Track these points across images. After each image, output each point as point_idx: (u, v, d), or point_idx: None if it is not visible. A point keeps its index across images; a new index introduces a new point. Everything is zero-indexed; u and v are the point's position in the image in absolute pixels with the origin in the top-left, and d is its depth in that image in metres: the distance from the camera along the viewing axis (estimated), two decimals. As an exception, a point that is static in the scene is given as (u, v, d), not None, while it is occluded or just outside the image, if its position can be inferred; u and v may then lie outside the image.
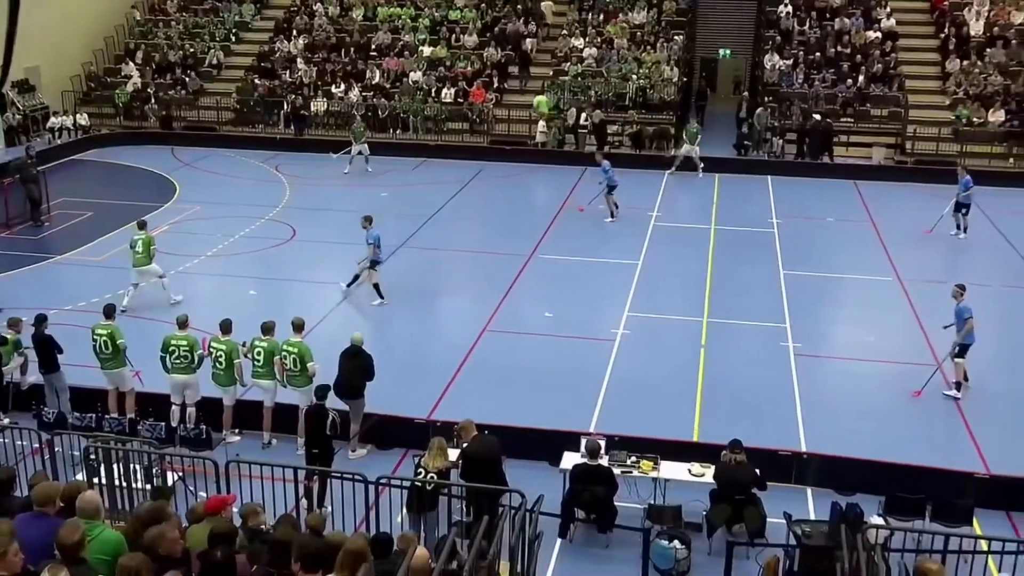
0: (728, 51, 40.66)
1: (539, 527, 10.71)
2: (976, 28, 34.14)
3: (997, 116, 30.97)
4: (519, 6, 37.14)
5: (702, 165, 29.79)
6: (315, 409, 12.62)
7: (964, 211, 23.76)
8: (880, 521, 11.46)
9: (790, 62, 34.03)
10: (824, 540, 10.94)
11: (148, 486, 10.74)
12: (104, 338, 14.35)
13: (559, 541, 11.98)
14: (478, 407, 13.38)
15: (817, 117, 31.08)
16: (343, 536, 7.79)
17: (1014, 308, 19.98)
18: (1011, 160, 30.06)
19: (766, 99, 32.83)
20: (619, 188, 25.24)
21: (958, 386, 15.88)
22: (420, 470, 11.29)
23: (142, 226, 19.52)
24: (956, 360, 15.90)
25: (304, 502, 11.61)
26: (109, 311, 14.80)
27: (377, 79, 34.92)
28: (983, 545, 10.94)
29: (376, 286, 19.35)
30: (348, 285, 19.88)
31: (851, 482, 12.93)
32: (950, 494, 12.22)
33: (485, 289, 20.36)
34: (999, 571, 10.09)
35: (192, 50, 37.32)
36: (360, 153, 30.11)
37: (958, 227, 23.87)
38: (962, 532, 11.23)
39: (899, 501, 11.93)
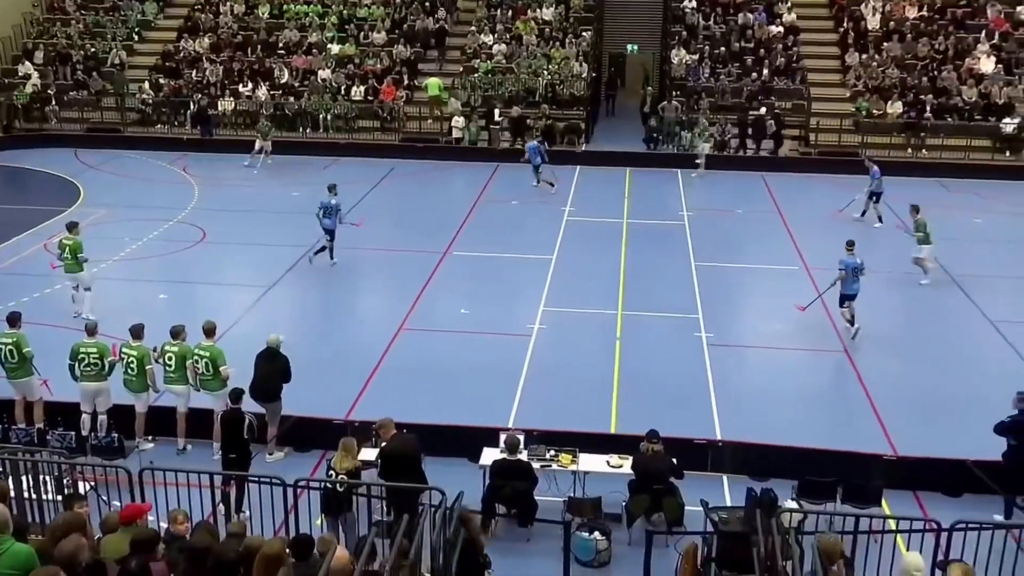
0: (636, 46, 41.11)
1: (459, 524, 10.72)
2: (873, 23, 35.11)
3: (895, 108, 31.88)
4: (427, 3, 37.01)
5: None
6: (231, 413, 12.44)
7: (875, 199, 24.43)
8: (794, 505, 11.72)
9: (696, 57, 34.54)
10: (741, 526, 11.14)
11: (59, 497, 10.47)
12: (9, 347, 13.92)
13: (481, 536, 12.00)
14: (396, 406, 13.34)
15: (763, 111, 31.75)
16: (261, 540, 7.70)
17: (915, 294, 20.59)
18: (909, 150, 30.97)
19: (674, 93, 33.29)
20: (529, 183, 25.38)
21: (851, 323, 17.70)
22: (331, 472, 11.23)
23: (71, 228, 18.60)
24: (842, 310, 17.85)
25: (221, 508, 11.46)
26: (13, 319, 14.32)
27: (285, 78, 34.48)
28: (892, 524, 11.32)
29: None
30: (315, 254, 21.11)
31: (765, 468, 13.20)
32: (860, 476, 12.58)
33: (400, 287, 20.27)
34: (907, 549, 10.38)
35: (94, 49, 36.36)
36: (262, 151, 30.09)
37: (879, 219, 24.51)
38: (872, 512, 11.60)
39: (811, 485, 12.22)
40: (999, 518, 12.14)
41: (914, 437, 14.25)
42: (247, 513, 11.37)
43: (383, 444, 11.84)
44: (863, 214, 24.71)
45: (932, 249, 20.54)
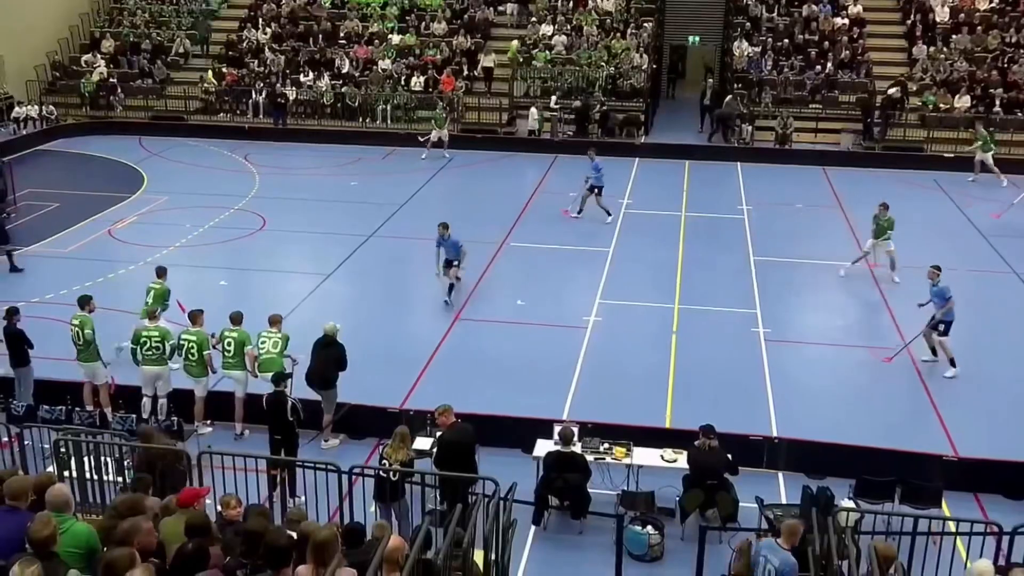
0: (697, 38, 40.75)
1: (513, 515, 10.73)
2: (942, 15, 34.42)
3: (963, 102, 31.24)
4: (488, -7, 37.09)
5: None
6: (274, 396, 12.56)
7: (597, 192, 23.81)
8: (851, 504, 11.58)
9: (759, 49, 34.15)
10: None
11: (120, 479, 10.67)
12: (76, 328, 14.24)
13: (533, 528, 12.02)
14: (450, 396, 13.29)
15: (729, 98, 31.47)
16: (314, 526, 7.77)
17: (986, 292, 20.17)
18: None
19: (735, 86, 32.96)
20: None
21: (952, 362, 16.22)
22: (384, 461, 11.29)
23: (161, 274, 16.72)
24: (941, 339, 16.24)
25: (277, 492, 11.59)
26: (83, 301, 14.63)
27: (346, 68, 34.72)
28: (951, 527, 11.12)
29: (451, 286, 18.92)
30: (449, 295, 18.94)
31: (821, 466, 13.05)
32: (919, 477, 12.37)
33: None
34: (967, 552, 10.20)
35: (159, 39, 36.94)
36: (440, 142, 30.20)
37: (580, 211, 24.15)
38: (931, 514, 11.39)
39: (869, 484, 12.06)
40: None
41: (976, 438, 14.01)
42: (302, 498, 11.48)
43: (439, 432, 11.90)
44: (579, 212, 24.17)
45: (884, 243, 20.25)
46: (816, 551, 9.86)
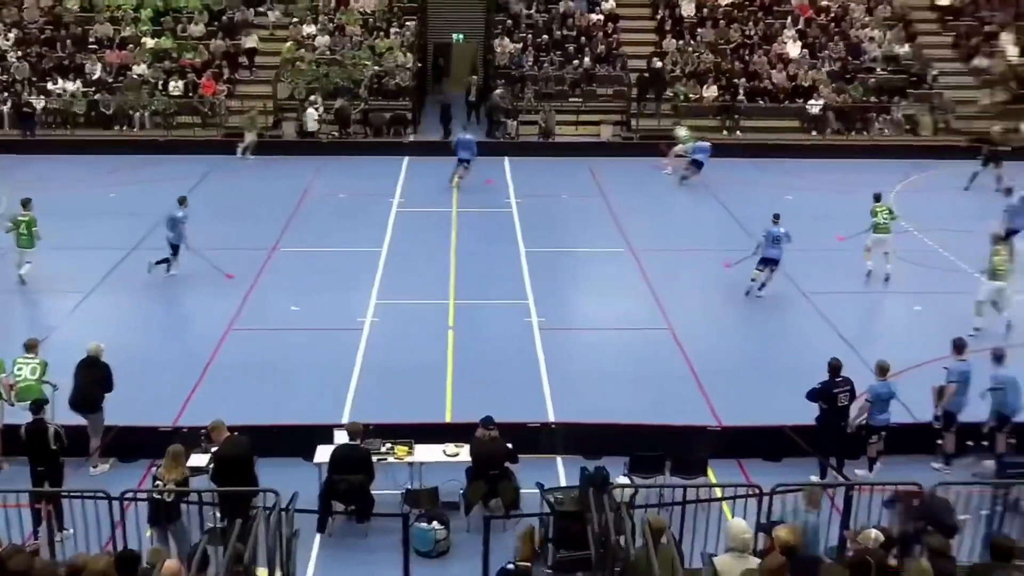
0: (461, 36, 41.25)
1: (296, 524, 10.62)
2: (688, 9, 36.29)
3: (711, 91, 33.11)
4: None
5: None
6: (34, 424, 11.87)
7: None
8: (625, 480, 12.09)
9: (520, 45, 34.93)
10: (575, 505, 11.43)
11: None
12: None
13: (318, 536, 11.90)
14: (227, 409, 12.98)
15: (499, 92, 32.25)
16: (86, 558, 7.45)
17: (735, 271, 21.42)
18: (724, 132, 32.18)
19: (499, 82, 33.59)
20: (360, 176, 25.21)
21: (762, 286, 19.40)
22: (158, 482, 10.92)
23: (26, 204, 19.80)
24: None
25: (43, 527, 10.98)
26: None
27: (98, 74, 33.03)
28: (718, 492, 11.82)
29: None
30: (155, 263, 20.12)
31: (597, 447, 13.50)
32: (687, 449, 13.08)
33: (227, 287, 19.79)
34: (733, 515, 10.85)
35: None
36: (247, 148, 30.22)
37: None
38: (698, 482, 12.08)
39: (641, 460, 12.66)
40: (815, 479, 12.83)
41: (735, 408, 14.86)
42: (70, 530, 10.89)
43: (215, 448, 11.60)
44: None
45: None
46: (595, 528, 10.28)
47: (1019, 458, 13.04)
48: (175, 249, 20.11)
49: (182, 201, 20.34)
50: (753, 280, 19.52)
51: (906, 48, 35.08)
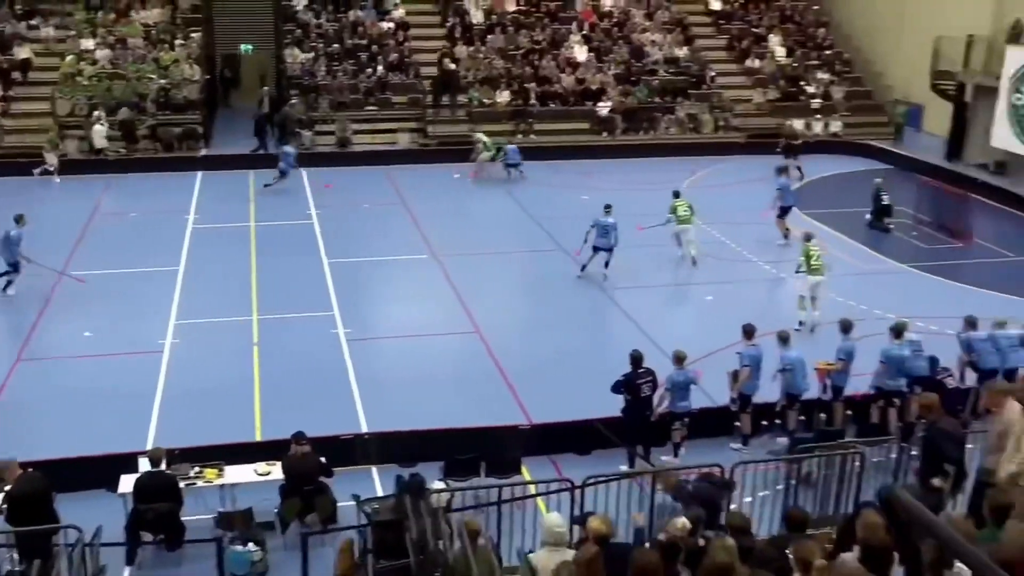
0: (250, 46, 40.39)
1: (102, 560, 10.18)
2: (477, 17, 36.82)
3: (503, 96, 33.71)
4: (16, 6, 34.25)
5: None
6: None
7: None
8: (441, 485, 12.17)
9: (311, 55, 34.54)
10: (392, 514, 11.39)
11: None
12: None
13: (127, 570, 11.44)
14: (20, 445, 12.27)
15: (294, 102, 32.00)
16: None
17: (537, 271, 21.97)
18: (519, 136, 32.77)
19: (291, 92, 33.10)
20: (152, 193, 24.29)
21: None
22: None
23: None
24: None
25: None
26: None
27: None
28: (532, 489, 12.08)
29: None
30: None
31: (412, 454, 13.51)
32: (501, 449, 13.28)
33: (11, 317, 18.71)
34: (548, 510, 11.10)
35: None
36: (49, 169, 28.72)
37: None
38: (513, 481, 12.29)
39: (456, 463, 12.77)
40: (624, 468, 13.29)
41: (546, 404, 15.18)
42: None
43: (7, 487, 10.95)
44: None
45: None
46: (413, 536, 10.30)
47: (808, 434, 13.94)
48: (14, 266, 19.64)
49: (19, 219, 19.81)
50: (584, 268, 20.81)
51: (685, 51, 36.79)
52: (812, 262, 18.68)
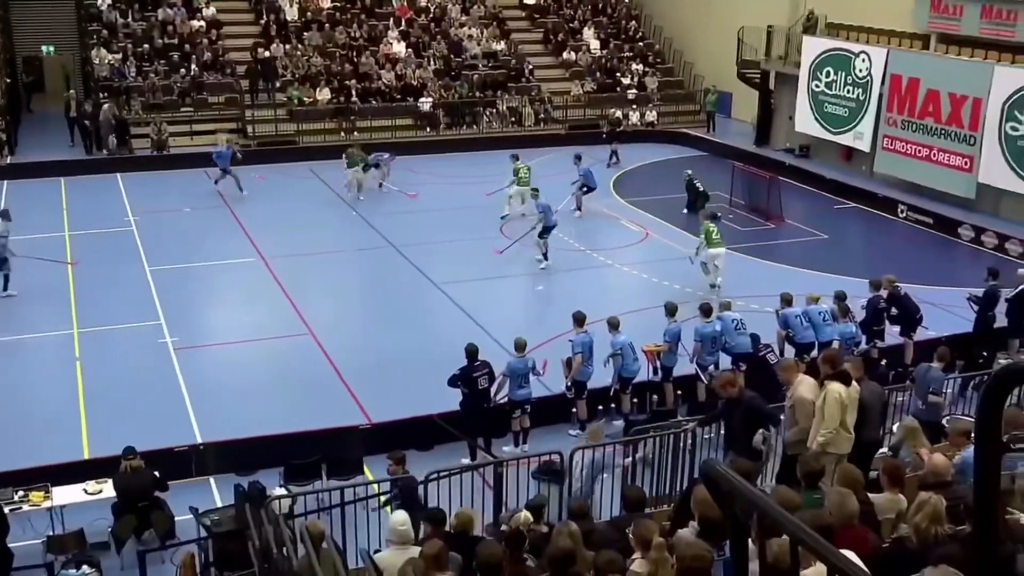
0: (52, 48, 38.52)
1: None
2: (292, 14, 36.25)
3: (324, 94, 33.32)
4: None
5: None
6: None
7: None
8: (282, 491, 12.01)
9: (120, 56, 33.24)
10: (233, 524, 11.22)
11: None
12: None
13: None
14: None
15: (106, 106, 30.86)
16: None
17: (369, 270, 21.89)
18: (342, 134, 32.52)
19: (101, 95, 31.79)
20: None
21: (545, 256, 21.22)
22: None
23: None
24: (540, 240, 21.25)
25: None
26: None
27: None
28: (375, 489, 12.08)
29: None
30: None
31: (251, 461, 13.25)
32: (341, 450, 13.20)
33: None
34: (392, 509, 11.12)
35: None
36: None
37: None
38: (356, 482, 12.25)
39: (296, 468, 12.63)
40: (466, 461, 13.43)
41: (384, 403, 15.15)
42: None
43: None
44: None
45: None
46: (256, 544, 10.16)
47: (642, 415, 14.43)
48: (2, 262, 19.59)
49: (4, 215, 20.31)
50: (544, 254, 21.41)
51: (502, 45, 37.27)
52: (712, 237, 19.97)
